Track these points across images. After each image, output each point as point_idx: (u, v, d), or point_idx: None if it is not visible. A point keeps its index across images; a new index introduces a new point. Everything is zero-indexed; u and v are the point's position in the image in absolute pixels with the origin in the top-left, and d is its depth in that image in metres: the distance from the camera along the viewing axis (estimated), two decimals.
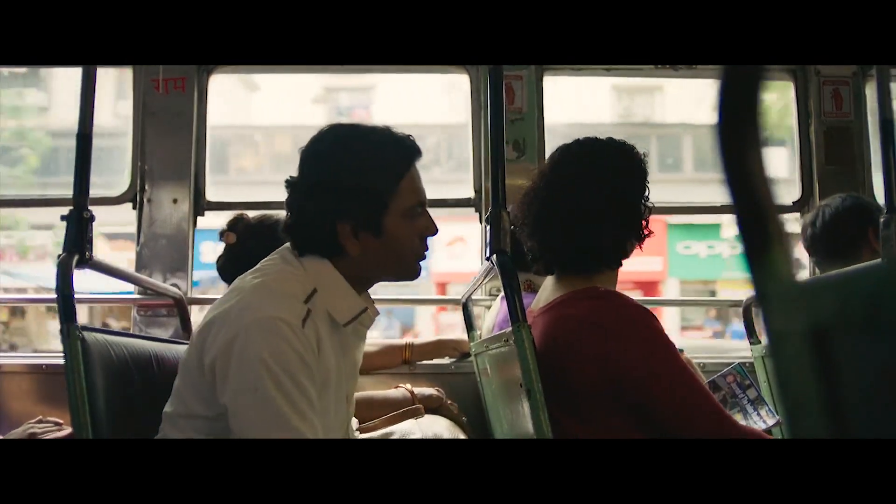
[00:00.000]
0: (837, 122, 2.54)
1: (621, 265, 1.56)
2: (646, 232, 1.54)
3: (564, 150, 1.57)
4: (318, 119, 11.76)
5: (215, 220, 2.19)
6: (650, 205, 1.54)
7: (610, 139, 1.57)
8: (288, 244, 1.39)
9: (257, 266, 1.39)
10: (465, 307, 2.20)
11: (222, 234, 1.88)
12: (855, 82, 2.54)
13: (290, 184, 1.37)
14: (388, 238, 1.34)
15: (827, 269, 2.08)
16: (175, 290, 2.29)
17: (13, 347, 8.72)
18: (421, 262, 1.40)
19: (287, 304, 1.27)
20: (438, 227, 1.41)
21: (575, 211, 1.49)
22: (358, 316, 1.37)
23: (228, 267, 1.80)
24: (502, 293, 1.64)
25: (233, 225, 1.88)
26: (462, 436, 1.93)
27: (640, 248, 1.55)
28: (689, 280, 11.65)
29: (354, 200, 1.31)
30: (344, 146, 1.35)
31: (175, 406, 1.34)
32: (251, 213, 1.91)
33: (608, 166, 1.52)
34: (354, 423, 1.65)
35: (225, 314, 1.28)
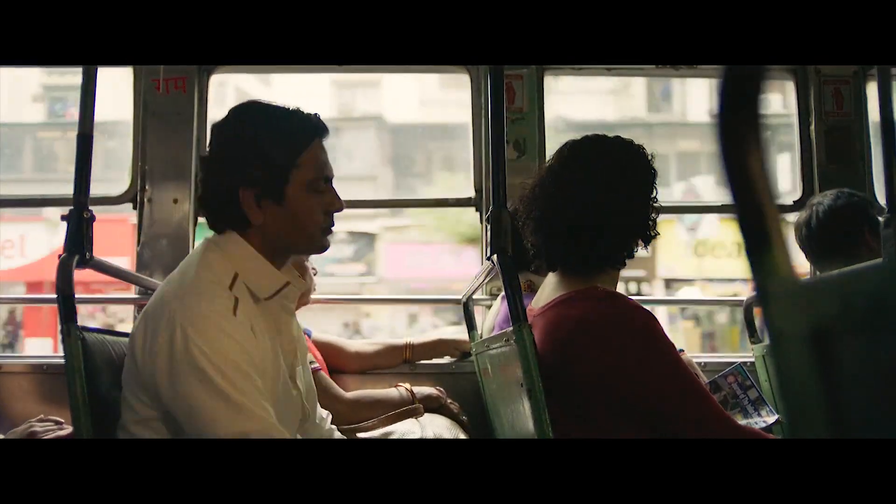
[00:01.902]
0: (838, 121, 2.53)
1: (625, 265, 1.55)
2: (653, 233, 1.53)
3: (573, 147, 1.56)
4: (36, 117, 11.47)
5: None
6: (658, 205, 1.54)
7: (618, 138, 1.57)
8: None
9: (182, 261, 1.42)
10: (466, 306, 2.20)
11: None
12: (856, 82, 2.53)
13: (201, 159, 1.44)
14: (290, 207, 1.38)
15: (824, 268, 2.07)
16: None
17: None
18: (328, 236, 1.45)
19: (215, 297, 1.31)
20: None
21: (582, 209, 1.48)
22: (280, 290, 1.40)
23: None
24: (503, 293, 1.64)
25: None
26: (462, 435, 1.93)
27: (647, 248, 1.55)
28: None
29: (256, 168, 1.36)
30: (247, 119, 1.41)
31: (126, 414, 1.36)
32: None
33: (617, 165, 1.51)
34: (323, 412, 1.64)
35: (156, 317, 1.30)
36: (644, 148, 1.55)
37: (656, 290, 11.04)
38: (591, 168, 1.51)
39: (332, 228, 1.45)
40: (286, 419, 1.40)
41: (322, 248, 1.45)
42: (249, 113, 1.42)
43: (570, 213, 1.49)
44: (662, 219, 1.57)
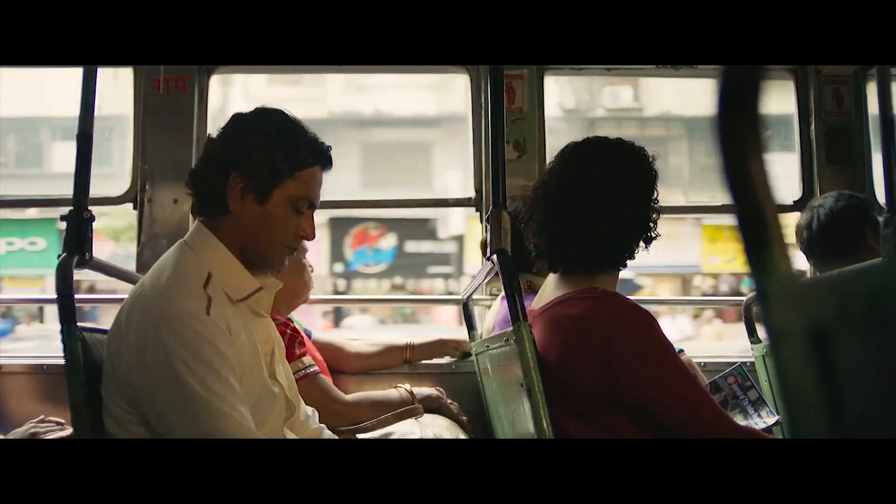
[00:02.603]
0: (838, 121, 2.53)
1: (626, 266, 1.56)
2: (653, 234, 1.53)
3: (575, 149, 1.57)
4: None
5: None
6: (658, 206, 1.54)
7: (620, 139, 1.57)
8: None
9: (155, 263, 1.43)
10: (466, 306, 2.20)
11: None
12: (855, 82, 2.53)
13: (209, 139, 1.48)
14: (268, 210, 1.41)
15: (825, 269, 2.07)
16: None
17: None
18: (285, 257, 1.47)
19: (189, 297, 1.31)
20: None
21: (583, 210, 1.48)
22: (253, 294, 1.42)
23: None
24: (502, 293, 1.64)
25: None
26: (462, 435, 1.93)
27: (647, 249, 1.55)
28: None
29: (258, 160, 1.39)
30: (270, 118, 1.46)
31: (106, 420, 1.36)
32: None
33: (618, 167, 1.52)
34: (309, 409, 1.64)
35: (130, 319, 1.31)
36: (645, 149, 1.56)
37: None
38: (592, 169, 1.51)
39: (293, 252, 1.48)
40: (271, 416, 1.41)
41: (278, 263, 1.47)
42: (274, 114, 1.47)
43: (571, 215, 1.50)
44: None
